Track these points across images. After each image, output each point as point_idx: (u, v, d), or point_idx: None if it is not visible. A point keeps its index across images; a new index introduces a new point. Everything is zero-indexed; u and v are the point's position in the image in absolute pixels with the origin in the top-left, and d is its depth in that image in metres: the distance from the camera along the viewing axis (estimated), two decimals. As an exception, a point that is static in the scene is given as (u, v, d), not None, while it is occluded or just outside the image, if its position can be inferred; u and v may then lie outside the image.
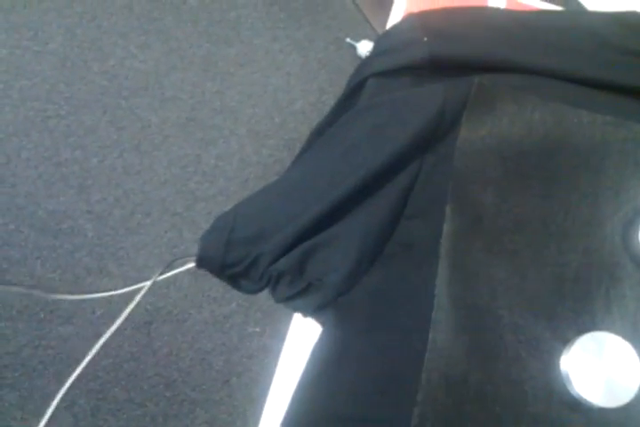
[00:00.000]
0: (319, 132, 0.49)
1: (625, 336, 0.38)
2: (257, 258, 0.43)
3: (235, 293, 1.15)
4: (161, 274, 0.46)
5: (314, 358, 0.43)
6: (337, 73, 1.52)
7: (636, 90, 0.44)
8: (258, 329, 1.18)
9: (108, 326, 0.46)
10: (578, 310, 0.38)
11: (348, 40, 1.48)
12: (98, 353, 0.45)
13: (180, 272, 0.46)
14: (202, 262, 0.45)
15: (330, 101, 1.49)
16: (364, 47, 1.45)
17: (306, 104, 1.48)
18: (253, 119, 1.48)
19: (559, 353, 0.39)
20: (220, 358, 1.19)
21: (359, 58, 1.48)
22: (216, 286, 1.22)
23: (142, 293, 0.46)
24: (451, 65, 0.43)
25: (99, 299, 0.46)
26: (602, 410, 0.37)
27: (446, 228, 0.39)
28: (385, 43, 0.47)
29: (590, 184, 0.39)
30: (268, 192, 0.46)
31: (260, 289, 0.45)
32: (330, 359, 0.42)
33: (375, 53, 0.47)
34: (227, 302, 1.22)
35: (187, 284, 1.22)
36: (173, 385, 1.19)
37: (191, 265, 0.45)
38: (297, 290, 0.44)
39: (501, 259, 0.39)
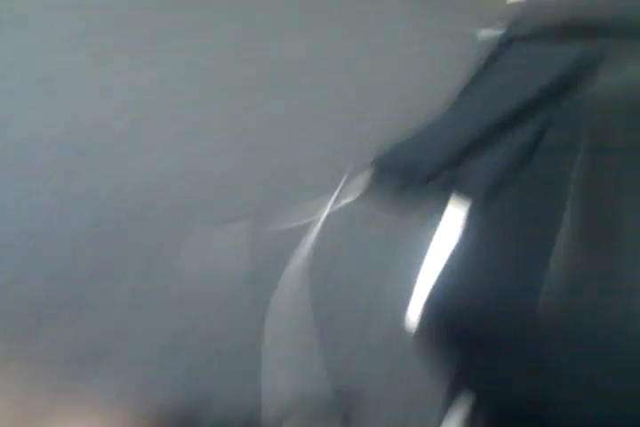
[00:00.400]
0: (464, 92, 0.58)
1: None
2: (416, 172, 0.53)
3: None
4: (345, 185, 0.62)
5: (458, 246, 0.53)
6: (461, 61, 1.63)
7: None
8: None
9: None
10: None
11: (472, 29, 1.55)
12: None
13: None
14: (377, 173, 0.57)
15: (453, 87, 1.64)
16: (487, 34, 1.52)
17: (434, 90, 1.64)
18: (383, 104, 1.68)
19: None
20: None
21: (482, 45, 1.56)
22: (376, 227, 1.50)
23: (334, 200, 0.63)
24: (587, 29, 0.51)
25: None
26: None
27: (578, 163, 0.45)
28: (527, 10, 0.56)
29: None
30: (422, 131, 0.56)
31: (418, 199, 0.56)
32: (471, 244, 0.51)
33: (517, 19, 0.56)
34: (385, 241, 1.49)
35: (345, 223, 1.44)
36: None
37: (368, 173, 0.56)
38: (444, 203, 0.55)
39: (628, 194, 0.44)
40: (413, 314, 0.56)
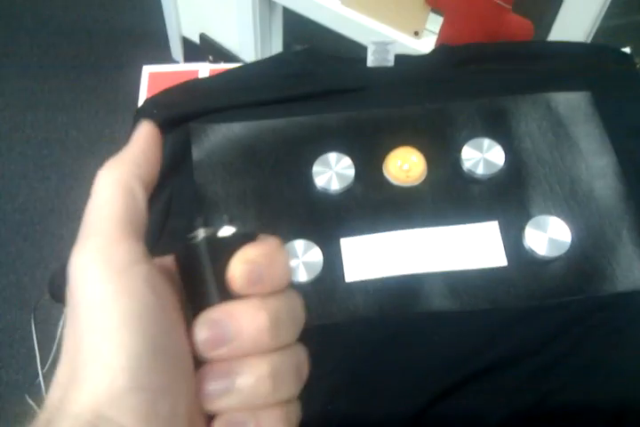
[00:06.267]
0: None
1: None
2: None
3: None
4: None
5: None
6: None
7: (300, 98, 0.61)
8: None
9: None
10: None
11: None
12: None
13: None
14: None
15: None
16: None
17: None
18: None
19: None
20: None
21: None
22: None
23: None
24: (179, 121, 0.60)
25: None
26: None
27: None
28: (135, 119, 0.64)
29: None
30: None
31: None
32: None
33: (132, 128, 0.62)
34: None
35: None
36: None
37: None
38: None
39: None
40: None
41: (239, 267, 0.26)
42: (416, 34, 1.05)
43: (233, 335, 0.26)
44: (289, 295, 0.28)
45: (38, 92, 1.73)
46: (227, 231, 0.28)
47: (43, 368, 0.62)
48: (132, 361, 0.24)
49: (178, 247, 0.28)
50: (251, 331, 0.26)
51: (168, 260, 0.29)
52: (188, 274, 0.28)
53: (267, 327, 0.26)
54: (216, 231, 0.28)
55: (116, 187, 0.27)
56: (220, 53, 1.52)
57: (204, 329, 0.26)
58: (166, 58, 1.67)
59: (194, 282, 0.27)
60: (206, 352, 0.26)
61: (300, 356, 0.28)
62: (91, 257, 0.25)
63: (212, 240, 0.27)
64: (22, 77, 1.76)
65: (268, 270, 0.27)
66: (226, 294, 0.27)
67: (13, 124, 1.68)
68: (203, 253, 0.27)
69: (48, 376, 0.61)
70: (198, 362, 0.26)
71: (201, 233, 0.27)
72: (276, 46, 1.43)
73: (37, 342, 0.64)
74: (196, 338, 0.26)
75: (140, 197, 0.28)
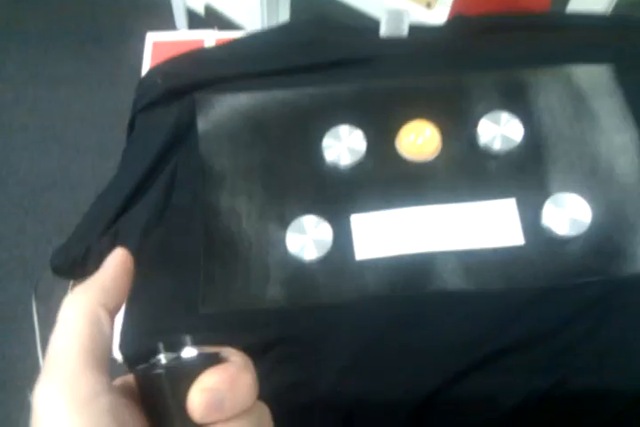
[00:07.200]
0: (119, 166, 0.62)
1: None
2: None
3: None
4: None
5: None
6: None
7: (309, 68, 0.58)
8: None
9: None
10: None
11: None
12: None
13: None
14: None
15: None
16: None
17: None
18: None
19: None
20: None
21: None
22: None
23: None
24: (184, 91, 0.57)
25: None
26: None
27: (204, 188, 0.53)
28: (139, 89, 0.62)
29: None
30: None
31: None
32: None
33: (135, 98, 0.62)
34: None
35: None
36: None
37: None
38: None
39: (244, 209, 0.52)
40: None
41: (198, 397, 0.26)
42: (428, 5, 1.02)
43: None
44: (256, 413, 0.28)
45: (40, 64, 1.71)
46: (189, 353, 0.27)
47: (43, 347, 0.61)
48: None
49: (139, 374, 0.28)
50: None
51: (131, 381, 0.29)
52: (149, 402, 0.28)
53: None
54: (178, 357, 0.28)
55: (82, 315, 0.28)
56: (225, 26, 1.50)
57: None
58: (170, 30, 1.64)
59: (155, 410, 0.27)
60: None
61: None
62: (55, 390, 0.26)
63: (173, 369, 0.27)
64: (24, 49, 1.74)
65: (229, 395, 0.26)
66: (188, 422, 0.26)
67: (15, 96, 1.66)
68: (163, 383, 0.27)
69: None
70: None
71: (162, 359, 0.27)
72: (284, 19, 1.41)
73: (38, 321, 0.63)
74: None
75: (106, 324, 0.28)
